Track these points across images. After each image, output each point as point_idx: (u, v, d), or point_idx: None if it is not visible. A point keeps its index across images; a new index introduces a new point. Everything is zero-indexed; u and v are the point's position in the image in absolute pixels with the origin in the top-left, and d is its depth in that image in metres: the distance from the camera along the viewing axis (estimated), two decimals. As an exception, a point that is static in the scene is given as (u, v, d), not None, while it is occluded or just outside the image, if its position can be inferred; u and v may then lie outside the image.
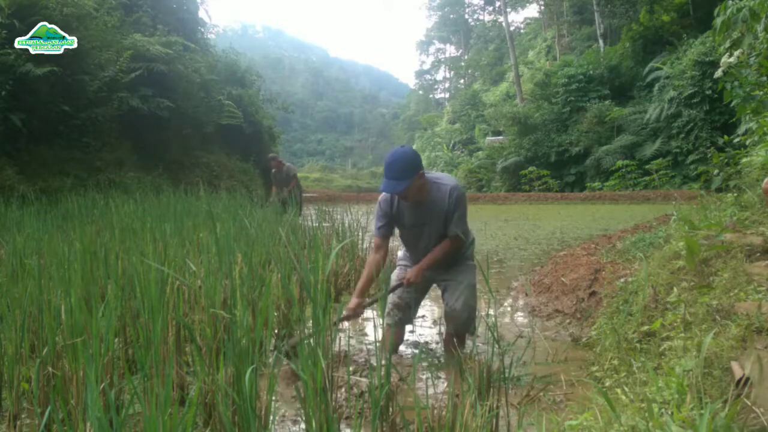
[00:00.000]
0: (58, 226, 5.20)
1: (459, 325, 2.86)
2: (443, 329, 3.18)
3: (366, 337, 3.38)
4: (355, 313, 2.77)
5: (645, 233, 4.93)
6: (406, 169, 2.59)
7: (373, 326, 3.53)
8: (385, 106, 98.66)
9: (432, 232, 2.81)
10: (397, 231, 2.99)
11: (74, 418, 1.77)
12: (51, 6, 9.75)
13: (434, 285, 3.07)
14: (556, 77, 25.73)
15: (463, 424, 1.69)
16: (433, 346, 3.16)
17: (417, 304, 3.05)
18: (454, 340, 2.86)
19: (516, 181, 24.08)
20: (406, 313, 2.92)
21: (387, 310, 2.93)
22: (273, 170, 9.51)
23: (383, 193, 2.80)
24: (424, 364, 2.82)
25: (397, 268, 3.06)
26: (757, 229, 2.85)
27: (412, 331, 3.52)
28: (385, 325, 2.95)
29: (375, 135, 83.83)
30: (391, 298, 2.91)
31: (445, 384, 2.51)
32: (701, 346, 1.45)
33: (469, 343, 2.97)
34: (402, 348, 3.09)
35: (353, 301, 2.77)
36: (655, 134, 20.70)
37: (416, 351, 3.05)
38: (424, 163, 34.69)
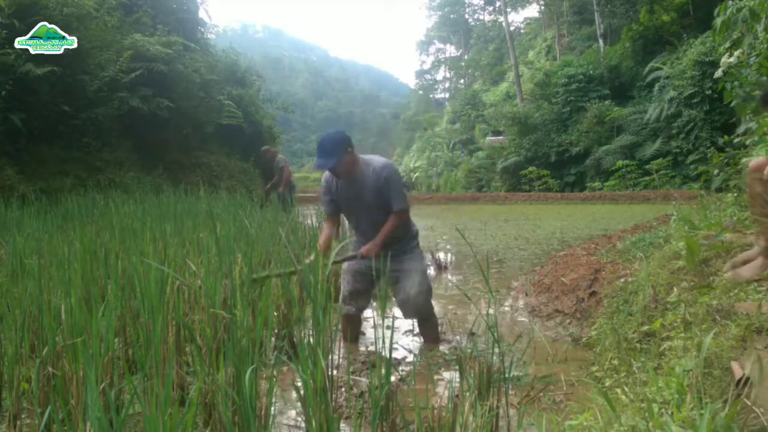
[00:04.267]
0: (58, 226, 5.20)
1: (418, 310, 3.08)
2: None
3: (366, 338, 3.38)
4: (324, 250, 2.98)
5: (645, 233, 4.94)
6: (334, 147, 2.88)
7: (373, 326, 3.53)
8: (385, 106, 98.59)
9: (369, 207, 3.04)
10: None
11: (74, 418, 1.77)
12: (51, 6, 9.74)
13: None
14: (556, 77, 25.71)
15: (463, 424, 1.69)
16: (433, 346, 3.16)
17: (369, 293, 3.23)
18: (426, 327, 3.13)
19: (516, 181, 24.06)
20: (360, 302, 3.16)
21: (341, 299, 3.17)
22: (271, 161, 9.71)
23: (324, 173, 3.09)
24: (424, 364, 2.82)
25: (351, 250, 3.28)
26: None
27: (411, 330, 3.53)
28: (341, 315, 3.16)
29: (375, 135, 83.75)
30: (344, 288, 3.16)
31: (445, 384, 2.51)
32: (701, 346, 1.45)
33: (466, 342, 2.98)
34: (402, 348, 3.10)
35: (308, 259, 2.90)
36: (655, 134, 20.69)
37: (416, 351, 3.05)
38: (425, 162, 34.46)
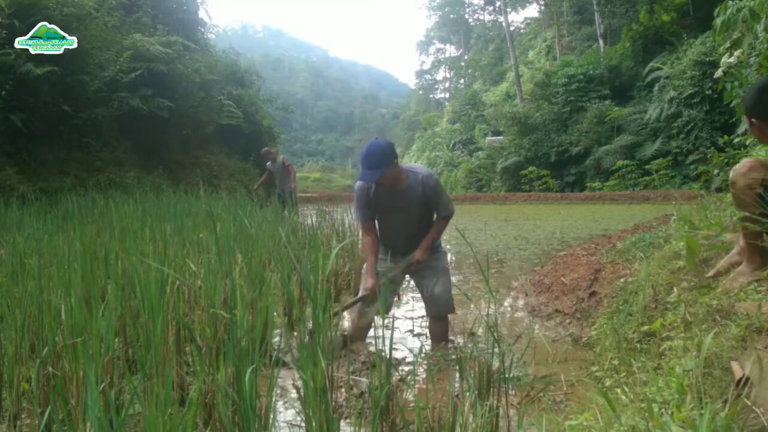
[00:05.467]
0: (58, 226, 5.20)
1: (441, 307, 3.12)
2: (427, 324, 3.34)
3: (366, 338, 3.38)
4: (373, 293, 2.98)
5: (645, 233, 4.93)
6: (381, 159, 2.84)
7: (373, 326, 3.52)
8: (385, 106, 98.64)
9: (409, 217, 3.06)
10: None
11: (74, 418, 1.77)
12: (51, 6, 9.74)
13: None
14: (556, 77, 25.72)
15: (463, 424, 1.69)
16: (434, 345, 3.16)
17: (393, 294, 3.26)
18: (439, 325, 3.14)
19: (516, 181, 24.07)
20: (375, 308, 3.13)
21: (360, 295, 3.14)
22: (268, 162, 9.70)
23: (359, 183, 3.03)
24: (424, 363, 2.82)
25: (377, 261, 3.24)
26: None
27: (411, 330, 3.53)
28: (355, 314, 3.16)
29: (375, 135, 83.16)
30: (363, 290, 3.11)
31: (446, 384, 2.51)
32: (701, 346, 1.45)
33: (464, 343, 2.98)
34: (402, 348, 3.10)
35: (369, 281, 2.99)
36: (655, 134, 20.69)
37: (416, 351, 3.05)
38: (424, 163, 34.52)
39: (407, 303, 4.29)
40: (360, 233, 3.26)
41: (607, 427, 1.45)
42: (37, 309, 2.40)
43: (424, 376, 2.60)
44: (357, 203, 3.11)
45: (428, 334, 3.30)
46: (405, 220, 3.07)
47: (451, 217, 3.16)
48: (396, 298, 4.31)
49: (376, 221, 3.16)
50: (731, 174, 2.24)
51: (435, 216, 3.17)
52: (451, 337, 3.27)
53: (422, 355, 2.96)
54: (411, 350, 3.09)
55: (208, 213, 5.69)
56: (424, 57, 66.22)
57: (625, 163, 20.05)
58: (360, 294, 3.04)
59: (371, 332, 3.35)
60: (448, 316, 3.21)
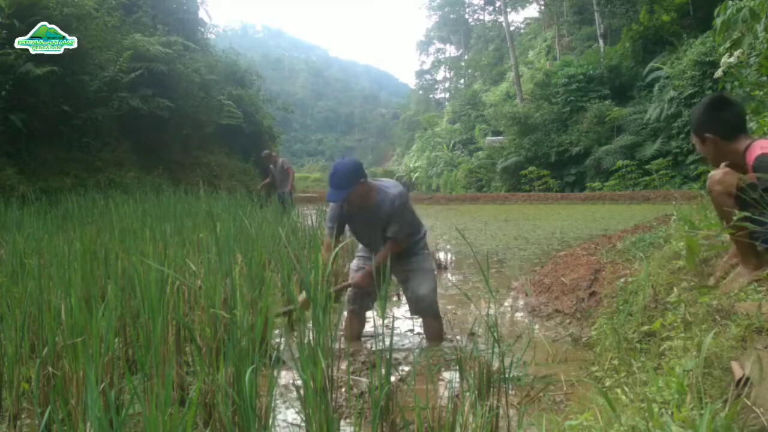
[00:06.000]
0: (58, 226, 5.20)
1: (425, 307, 3.17)
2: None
3: (365, 337, 3.38)
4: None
5: (645, 233, 4.93)
6: (347, 179, 2.87)
7: (373, 325, 3.52)
8: (385, 106, 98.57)
9: (378, 233, 3.10)
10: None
11: (74, 418, 1.77)
12: (51, 6, 9.74)
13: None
14: (556, 77, 25.71)
15: (463, 424, 1.69)
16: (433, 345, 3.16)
17: (375, 294, 3.26)
18: (432, 324, 3.19)
19: (516, 181, 24.06)
20: (366, 300, 3.22)
21: (347, 297, 3.25)
22: (270, 165, 9.86)
23: None
24: (424, 363, 2.82)
25: (356, 258, 3.34)
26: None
27: (411, 330, 3.53)
28: (347, 312, 3.25)
29: (375, 135, 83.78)
30: (350, 288, 3.22)
31: (445, 384, 2.51)
32: (701, 346, 1.45)
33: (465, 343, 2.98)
34: (402, 348, 3.10)
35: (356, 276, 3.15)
36: (655, 134, 20.69)
37: (416, 351, 3.05)
38: (424, 162, 34.46)
39: (407, 303, 4.29)
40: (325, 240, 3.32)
41: (607, 427, 1.45)
42: (37, 309, 2.40)
43: (424, 376, 2.60)
44: (328, 216, 3.22)
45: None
46: (374, 234, 3.12)
47: (404, 241, 3.10)
48: (395, 298, 4.33)
49: (351, 230, 3.27)
50: (707, 183, 2.24)
51: (412, 220, 3.19)
52: (451, 337, 3.27)
53: (422, 355, 2.96)
54: (411, 350, 3.09)
55: (208, 213, 5.69)
56: (424, 57, 66.26)
57: (625, 163, 20.04)
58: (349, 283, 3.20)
59: (371, 331, 3.36)
60: (444, 315, 3.23)
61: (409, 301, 3.24)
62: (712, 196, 2.24)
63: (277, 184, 9.88)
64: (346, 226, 3.26)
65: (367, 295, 3.21)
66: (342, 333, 3.20)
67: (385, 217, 3.03)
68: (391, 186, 3.11)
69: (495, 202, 20.71)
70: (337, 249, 3.02)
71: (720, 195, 2.19)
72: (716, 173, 2.19)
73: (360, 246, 3.36)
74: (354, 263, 3.34)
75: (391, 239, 3.07)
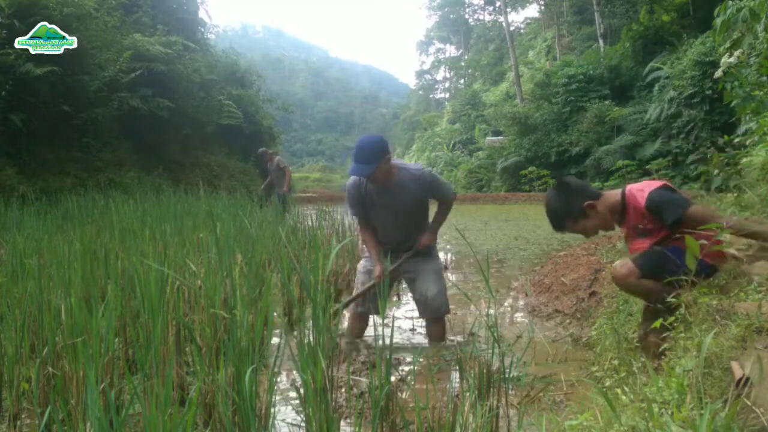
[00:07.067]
0: (58, 226, 5.20)
1: (435, 310, 3.10)
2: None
3: (366, 337, 3.38)
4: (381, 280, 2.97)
5: (645, 233, 4.92)
6: (373, 154, 2.80)
7: (373, 325, 3.53)
8: (385, 106, 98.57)
9: (401, 213, 3.05)
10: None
11: (74, 418, 1.77)
12: (51, 6, 9.73)
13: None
14: (556, 77, 25.69)
15: (463, 424, 1.69)
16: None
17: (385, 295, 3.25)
18: (436, 326, 3.14)
19: (516, 181, 24.04)
20: (373, 303, 3.09)
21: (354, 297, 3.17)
22: (268, 163, 9.94)
23: (351, 179, 3.03)
24: (424, 363, 2.82)
25: (363, 259, 3.28)
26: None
27: (412, 329, 3.53)
28: (351, 312, 3.20)
29: (375, 135, 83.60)
30: (360, 287, 3.15)
31: (446, 384, 2.51)
32: (701, 346, 1.45)
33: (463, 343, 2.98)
34: (402, 348, 3.10)
35: (377, 269, 3.02)
36: (655, 134, 20.67)
37: (416, 351, 3.05)
38: (424, 162, 34.47)
39: (407, 303, 4.29)
40: (358, 229, 3.30)
41: (607, 427, 1.45)
42: (37, 309, 2.40)
43: (424, 376, 2.60)
44: (349, 200, 3.11)
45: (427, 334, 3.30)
46: (397, 216, 3.06)
47: (454, 199, 3.22)
48: (395, 298, 4.33)
49: (371, 213, 3.17)
50: (612, 271, 2.26)
51: (427, 211, 3.22)
52: (451, 337, 3.27)
53: (422, 355, 2.96)
54: (411, 350, 3.09)
55: (208, 213, 5.69)
56: (424, 57, 66.23)
57: (625, 163, 20.03)
58: (370, 282, 3.06)
59: (371, 331, 3.36)
60: (446, 316, 3.21)
61: (418, 303, 3.17)
62: (618, 285, 2.24)
63: (275, 183, 9.91)
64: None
65: (375, 297, 3.10)
66: (341, 333, 3.19)
67: (412, 196, 3.00)
68: (412, 165, 3.09)
69: (495, 202, 20.72)
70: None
71: (626, 287, 2.21)
72: (620, 267, 2.19)
73: (366, 247, 3.27)
74: (361, 264, 3.27)
75: (449, 200, 3.16)
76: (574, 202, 2.31)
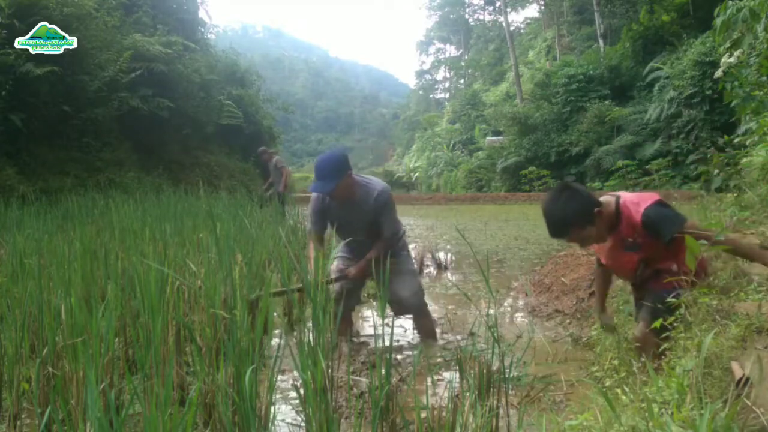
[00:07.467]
0: (58, 226, 5.20)
1: (411, 311, 3.17)
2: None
3: (366, 337, 3.38)
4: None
5: (645, 233, 4.92)
6: (333, 171, 2.86)
7: (373, 325, 3.53)
8: (385, 106, 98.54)
9: (359, 229, 3.08)
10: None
11: (74, 418, 1.77)
12: (51, 6, 9.74)
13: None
14: (556, 77, 25.69)
15: (463, 424, 1.69)
16: (433, 345, 3.16)
17: (357, 293, 3.32)
18: (421, 321, 3.19)
19: (516, 181, 24.04)
20: (348, 301, 3.14)
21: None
22: (268, 162, 9.98)
23: (313, 193, 3.05)
24: (424, 364, 2.82)
25: (335, 259, 3.27)
26: (757, 229, 2.85)
27: (412, 330, 3.52)
28: (334, 314, 3.12)
29: (375, 135, 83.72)
30: (335, 287, 3.14)
31: (445, 384, 2.51)
32: (701, 346, 1.45)
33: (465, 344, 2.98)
34: (402, 348, 3.10)
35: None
36: (655, 134, 20.67)
37: (416, 351, 3.05)
38: (424, 163, 34.43)
39: (389, 305, 4.29)
40: (309, 243, 3.26)
41: (607, 427, 1.45)
42: (37, 309, 2.40)
43: (424, 376, 2.60)
44: (311, 211, 3.15)
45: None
46: (355, 231, 3.10)
47: (395, 239, 3.14)
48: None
49: (335, 226, 3.18)
50: (634, 341, 2.26)
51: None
52: (451, 338, 3.27)
53: (422, 355, 2.96)
54: (411, 350, 3.09)
55: (208, 213, 5.69)
56: (424, 57, 66.18)
57: (625, 163, 20.02)
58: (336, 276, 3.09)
59: (371, 331, 3.36)
60: (444, 315, 3.22)
61: (392, 305, 3.16)
62: (651, 343, 2.14)
63: (274, 182, 9.93)
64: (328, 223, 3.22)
65: (349, 294, 3.15)
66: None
67: (367, 212, 3.01)
68: (374, 181, 3.10)
69: (495, 202, 20.72)
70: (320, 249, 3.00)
71: (651, 340, 2.13)
72: (639, 335, 2.21)
73: (339, 246, 3.30)
74: (334, 265, 3.26)
75: (385, 239, 3.06)
76: (586, 208, 2.20)
